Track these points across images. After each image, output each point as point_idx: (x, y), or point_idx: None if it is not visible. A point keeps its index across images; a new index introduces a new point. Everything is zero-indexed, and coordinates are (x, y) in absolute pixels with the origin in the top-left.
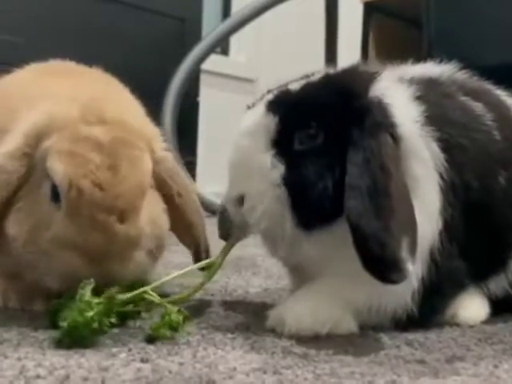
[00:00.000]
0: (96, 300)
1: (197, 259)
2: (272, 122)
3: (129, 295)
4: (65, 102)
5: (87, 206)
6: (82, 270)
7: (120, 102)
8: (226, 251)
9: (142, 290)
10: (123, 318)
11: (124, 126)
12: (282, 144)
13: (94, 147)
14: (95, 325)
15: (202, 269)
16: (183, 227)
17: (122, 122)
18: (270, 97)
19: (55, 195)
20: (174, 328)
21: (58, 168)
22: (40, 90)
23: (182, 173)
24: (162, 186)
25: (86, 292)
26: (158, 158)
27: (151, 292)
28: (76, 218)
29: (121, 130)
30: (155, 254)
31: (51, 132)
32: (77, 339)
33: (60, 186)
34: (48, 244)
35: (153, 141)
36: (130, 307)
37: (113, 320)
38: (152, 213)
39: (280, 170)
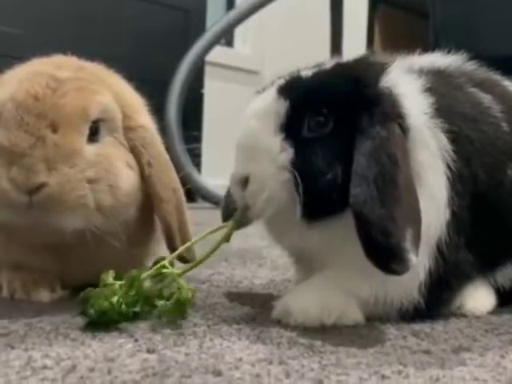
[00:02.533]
0: (119, 283)
1: (168, 241)
2: (282, 106)
3: (149, 272)
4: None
5: (18, 111)
6: (6, 174)
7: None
8: (230, 230)
9: (161, 263)
10: (149, 299)
11: (93, 76)
12: (291, 129)
13: (46, 78)
14: (123, 308)
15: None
16: (154, 202)
17: (94, 74)
18: (281, 81)
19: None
20: (183, 305)
21: (5, 91)
22: None
23: (160, 146)
24: (134, 154)
25: (109, 277)
26: (133, 125)
27: (169, 265)
28: (6, 124)
29: (86, 75)
30: (109, 209)
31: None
32: (108, 323)
33: (3, 103)
34: None
35: (132, 108)
36: (153, 287)
37: (138, 301)
38: (107, 156)
39: (288, 154)
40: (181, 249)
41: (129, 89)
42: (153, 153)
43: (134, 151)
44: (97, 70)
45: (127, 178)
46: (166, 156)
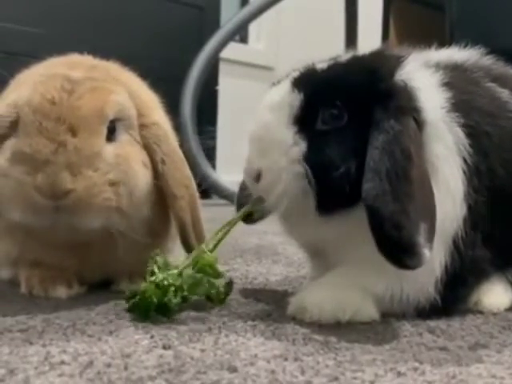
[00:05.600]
0: (163, 274)
1: (182, 237)
2: (296, 98)
3: (189, 259)
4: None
5: (36, 116)
6: (32, 182)
7: (124, 73)
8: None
9: (199, 250)
10: (193, 288)
11: (106, 75)
12: (305, 122)
13: (60, 80)
14: (170, 295)
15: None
16: (168, 199)
17: (107, 72)
18: (296, 74)
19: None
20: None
21: (15, 96)
22: None
23: (173, 143)
24: (148, 151)
25: (153, 266)
26: (147, 122)
27: (208, 253)
28: (25, 129)
29: (99, 74)
30: (127, 208)
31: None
32: (161, 313)
33: (20, 108)
34: (4, 164)
35: (146, 105)
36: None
37: (184, 289)
38: (125, 156)
39: (301, 147)
40: (217, 238)
41: (143, 86)
42: (166, 150)
43: (147, 148)
44: (109, 68)
45: (143, 177)
46: (180, 153)
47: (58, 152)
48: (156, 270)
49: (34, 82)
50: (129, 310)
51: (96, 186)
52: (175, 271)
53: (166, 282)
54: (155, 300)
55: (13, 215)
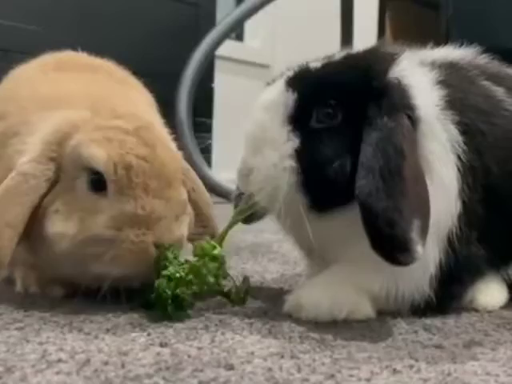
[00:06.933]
0: (175, 268)
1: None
2: (291, 98)
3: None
4: (76, 105)
5: (138, 176)
6: (149, 240)
7: (130, 100)
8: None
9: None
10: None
11: (139, 119)
12: (299, 120)
13: (122, 133)
14: (183, 287)
15: None
16: (200, 221)
17: (134, 115)
18: (290, 73)
19: (95, 185)
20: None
21: (99, 153)
22: (52, 91)
23: (191, 169)
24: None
25: (164, 261)
26: None
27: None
28: (129, 191)
29: (138, 121)
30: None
31: (72, 133)
32: (176, 306)
33: (105, 168)
34: (103, 229)
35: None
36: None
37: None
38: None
39: (294, 144)
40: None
41: (153, 111)
42: (193, 179)
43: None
44: (131, 108)
45: (189, 209)
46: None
47: (167, 207)
48: (167, 263)
49: (91, 140)
50: (145, 307)
51: (187, 227)
52: (186, 265)
53: (177, 275)
54: (169, 293)
55: (115, 273)
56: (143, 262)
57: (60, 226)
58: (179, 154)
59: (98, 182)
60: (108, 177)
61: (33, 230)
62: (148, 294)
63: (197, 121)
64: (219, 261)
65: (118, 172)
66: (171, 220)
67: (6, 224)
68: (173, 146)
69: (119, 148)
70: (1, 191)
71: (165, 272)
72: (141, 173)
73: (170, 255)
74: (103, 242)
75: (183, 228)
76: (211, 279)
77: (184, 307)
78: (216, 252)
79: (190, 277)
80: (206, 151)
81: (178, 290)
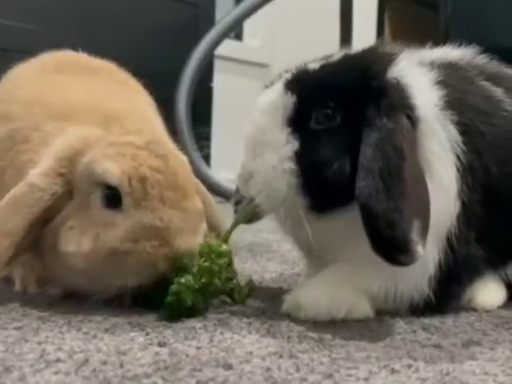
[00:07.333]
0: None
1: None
2: (289, 100)
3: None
4: (86, 119)
5: (154, 188)
6: (163, 252)
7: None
8: (233, 226)
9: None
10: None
11: (149, 134)
12: (298, 123)
13: (134, 148)
14: (199, 297)
15: None
16: (215, 229)
17: (144, 130)
18: (288, 75)
19: (110, 200)
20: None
21: (112, 168)
22: (59, 98)
23: (200, 183)
24: None
25: (188, 268)
26: None
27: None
28: (146, 203)
29: (148, 135)
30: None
31: (84, 150)
32: (190, 314)
33: (119, 182)
34: (119, 243)
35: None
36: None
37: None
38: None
39: (294, 146)
40: (224, 235)
41: (158, 121)
42: (202, 191)
43: None
44: (133, 119)
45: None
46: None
47: (184, 218)
48: (185, 272)
49: (104, 156)
50: (146, 307)
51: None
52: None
53: (196, 286)
54: (189, 303)
55: (131, 283)
56: (160, 272)
57: (75, 244)
58: (189, 166)
59: (112, 197)
60: (123, 190)
61: (46, 245)
62: (155, 296)
63: (195, 120)
64: (229, 257)
65: (132, 185)
66: (189, 230)
67: (4, 233)
68: (184, 158)
69: (132, 161)
70: (7, 199)
71: (182, 280)
72: (156, 184)
73: (188, 263)
74: (120, 255)
75: (200, 238)
76: (223, 275)
77: (196, 315)
78: (223, 249)
79: (204, 280)
80: (205, 150)
81: (194, 298)
